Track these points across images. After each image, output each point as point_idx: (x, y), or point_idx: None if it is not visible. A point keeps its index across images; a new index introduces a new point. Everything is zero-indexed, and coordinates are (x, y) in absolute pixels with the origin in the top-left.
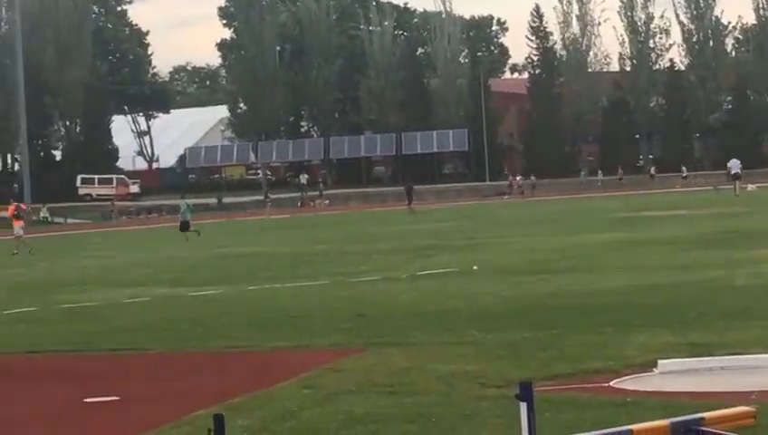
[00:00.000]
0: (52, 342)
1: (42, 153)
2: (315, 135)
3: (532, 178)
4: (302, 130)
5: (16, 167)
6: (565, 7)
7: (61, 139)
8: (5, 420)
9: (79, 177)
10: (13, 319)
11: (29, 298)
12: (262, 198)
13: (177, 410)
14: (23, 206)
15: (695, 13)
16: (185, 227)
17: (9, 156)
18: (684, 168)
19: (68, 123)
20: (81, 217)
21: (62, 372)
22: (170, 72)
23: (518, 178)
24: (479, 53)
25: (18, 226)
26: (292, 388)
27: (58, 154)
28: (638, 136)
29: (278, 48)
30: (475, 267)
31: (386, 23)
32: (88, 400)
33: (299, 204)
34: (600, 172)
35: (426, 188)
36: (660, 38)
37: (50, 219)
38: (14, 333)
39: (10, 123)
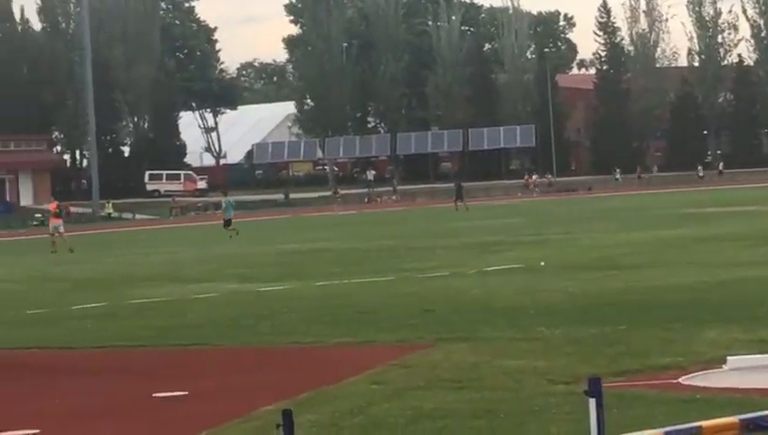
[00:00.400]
0: (121, 337)
1: (110, 149)
2: (382, 131)
3: (548, 176)
4: (369, 125)
5: (85, 163)
6: (633, 3)
7: (129, 135)
8: (75, 413)
9: (147, 173)
10: (81, 314)
11: (97, 294)
12: (329, 193)
13: (246, 405)
14: (65, 205)
15: (763, 8)
16: (227, 223)
17: (78, 152)
18: (700, 167)
19: (136, 119)
20: (149, 213)
21: (131, 368)
22: (237, 69)
23: (534, 176)
24: (546, 49)
25: (57, 223)
26: (360, 383)
27: (126, 150)
28: (705, 132)
29: (345, 44)
30: (542, 263)
31: (453, 18)
32: (156, 395)
33: (366, 200)
34: (618, 170)
35: (492, 185)
36: (728, 33)
37: (114, 215)
38: (82, 329)
39: (78, 120)
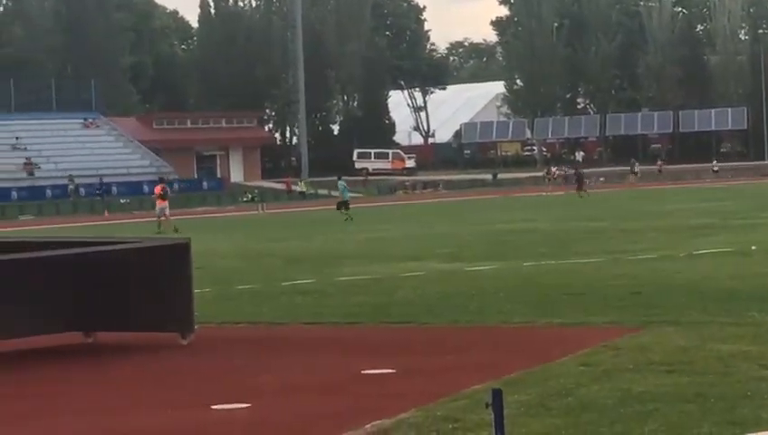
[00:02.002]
0: (330, 314)
1: (320, 127)
2: (591, 112)
3: (565, 169)
4: (579, 106)
5: (294, 140)
6: None
7: (339, 113)
8: (284, 389)
9: (355, 151)
10: (291, 290)
11: (305, 271)
12: (539, 174)
13: (454, 383)
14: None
15: None
16: (342, 205)
17: (288, 129)
18: (715, 160)
19: (346, 98)
20: (358, 192)
21: (340, 344)
22: (447, 48)
23: (554, 169)
24: (760, 31)
25: (162, 205)
26: (569, 365)
27: (335, 128)
28: None
29: (555, 24)
30: (753, 247)
31: None
32: (365, 371)
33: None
34: (636, 163)
35: (703, 167)
36: None
37: (308, 193)
38: (292, 305)
39: (290, 97)
